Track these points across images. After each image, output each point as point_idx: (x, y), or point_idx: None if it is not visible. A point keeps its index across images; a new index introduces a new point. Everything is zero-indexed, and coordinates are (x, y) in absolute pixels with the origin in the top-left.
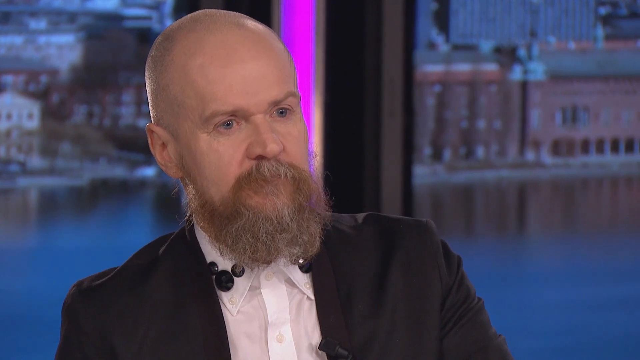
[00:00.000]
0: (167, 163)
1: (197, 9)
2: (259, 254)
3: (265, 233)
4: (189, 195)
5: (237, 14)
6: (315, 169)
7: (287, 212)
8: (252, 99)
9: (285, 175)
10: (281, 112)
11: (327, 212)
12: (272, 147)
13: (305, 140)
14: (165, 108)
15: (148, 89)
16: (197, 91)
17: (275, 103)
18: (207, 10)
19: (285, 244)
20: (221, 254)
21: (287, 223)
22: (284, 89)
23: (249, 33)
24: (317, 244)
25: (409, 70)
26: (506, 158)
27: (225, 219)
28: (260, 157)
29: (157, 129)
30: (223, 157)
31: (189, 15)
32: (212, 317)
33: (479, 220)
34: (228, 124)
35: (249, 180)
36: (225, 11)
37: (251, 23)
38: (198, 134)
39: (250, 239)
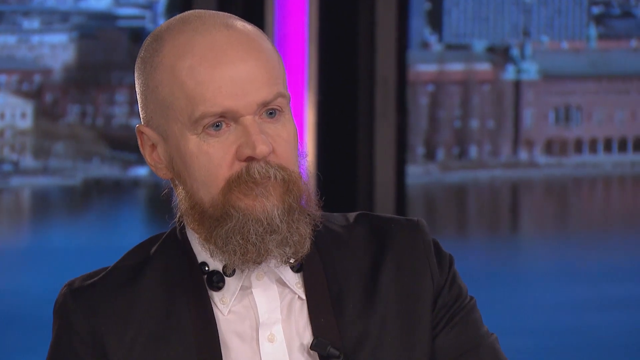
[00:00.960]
0: (157, 164)
1: (190, 9)
2: (249, 255)
3: (255, 235)
4: (179, 197)
5: (226, 14)
6: (306, 169)
7: (276, 214)
8: (241, 101)
9: (275, 177)
10: (270, 113)
11: (318, 213)
12: (262, 149)
13: (295, 141)
14: (154, 109)
15: (137, 90)
16: (186, 93)
17: (265, 104)
18: (197, 11)
19: (275, 245)
20: (211, 255)
21: (277, 224)
22: (273, 90)
23: (237, 34)
24: (308, 244)
25: (402, 70)
26: (499, 157)
27: (215, 220)
28: (250, 159)
29: (146, 130)
30: (213, 159)
31: (178, 16)
32: (203, 317)
33: (472, 220)
34: (217, 126)
35: (239, 183)
36: (214, 12)
37: (240, 24)
38: (187, 135)
39: (240, 241)
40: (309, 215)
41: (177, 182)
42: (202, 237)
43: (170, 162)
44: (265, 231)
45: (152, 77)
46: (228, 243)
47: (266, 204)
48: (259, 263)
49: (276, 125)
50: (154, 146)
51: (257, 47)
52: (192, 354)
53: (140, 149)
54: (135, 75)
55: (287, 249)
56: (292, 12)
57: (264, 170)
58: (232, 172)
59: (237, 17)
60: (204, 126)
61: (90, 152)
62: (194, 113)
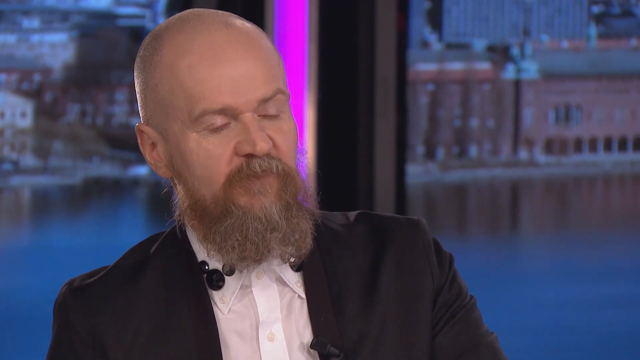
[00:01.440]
0: (156, 163)
1: (189, 8)
2: (247, 253)
3: (255, 232)
4: (178, 195)
5: (225, 13)
6: (305, 166)
7: (275, 210)
8: (241, 98)
9: (277, 168)
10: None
11: (316, 210)
12: (262, 146)
13: (294, 137)
14: (154, 108)
15: (137, 89)
16: (186, 91)
17: (264, 101)
18: (196, 9)
19: (277, 243)
20: (208, 255)
21: (277, 221)
22: (272, 87)
23: (237, 32)
24: (309, 240)
25: (402, 69)
26: (499, 157)
27: (215, 217)
28: (250, 155)
29: (146, 128)
30: (212, 156)
31: (177, 15)
32: (203, 316)
33: (472, 219)
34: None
35: (240, 177)
36: (213, 10)
37: (239, 22)
38: (187, 133)
39: (239, 238)
40: (307, 210)
41: (176, 181)
42: (201, 235)
43: (170, 160)
44: (265, 229)
45: (151, 76)
46: (227, 239)
47: (264, 202)
48: (259, 261)
49: (276, 121)
50: (153, 145)
51: (257, 45)
52: (192, 353)
53: (140, 147)
54: (135, 74)
55: (290, 247)
56: (292, 12)
57: (265, 164)
58: (231, 167)
59: (236, 15)
60: (204, 124)
61: (90, 152)
62: (194, 111)
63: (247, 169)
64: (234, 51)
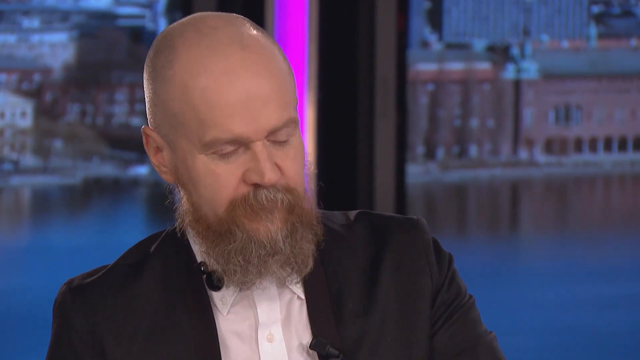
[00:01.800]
0: (161, 167)
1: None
2: (249, 276)
3: (258, 257)
4: (183, 206)
5: (239, 22)
6: (309, 175)
7: (280, 237)
8: (252, 127)
9: (282, 202)
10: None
11: (319, 229)
12: (270, 177)
13: (302, 159)
14: (163, 119)
15: (146, 93)
16: (198, 115)
17: (275, 130)
18: (211, 17)
19: (278, 265)
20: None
21: (280, 247)
22: (284, 117)
23: (251, 55)
24: (311, 262)
25: (402, 69)
26: (499, 157)
27: (219, 235)
28: (257, 185)
29: (153, 134)
30: (219, 180)
31: (192, 20)
32: (202, 316)
33: (472, 219)
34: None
35: (245, 205)
36: (228, 18)
37: (254, 40)
38: (196, 154)
39: (242, 262)
40: (311, 230)
41: (180, 191)
42: (203, 248)
43: (176, 171)
44: (268, 254)
45: (162, 90)
46: (229, 262)
47: (270, 228)
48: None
49: (285, 147)
50: (158, 148)
51: (271, 69)
52: (190, 353)
53: (145, 147)
54: (145, 76)
55: (289, 268)
56: (292, 12)
57: (271, 196)
58: (237, 193)
59: (250, 25)
60: (213, 149)
61: (90, 151)
62: (204, 137)
63: (254, 199)
64: (248, 77)
